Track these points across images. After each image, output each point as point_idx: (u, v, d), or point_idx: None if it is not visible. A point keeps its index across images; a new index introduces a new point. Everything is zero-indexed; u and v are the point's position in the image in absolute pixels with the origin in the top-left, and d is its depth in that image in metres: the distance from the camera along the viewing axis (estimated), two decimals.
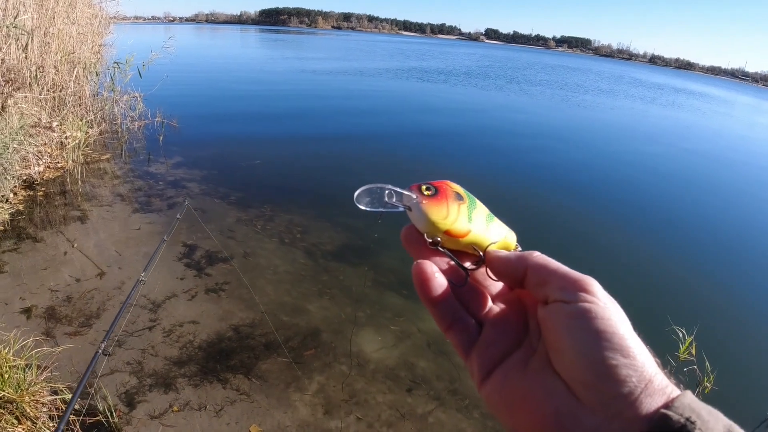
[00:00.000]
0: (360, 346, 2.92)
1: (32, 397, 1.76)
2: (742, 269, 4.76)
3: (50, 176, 4.97)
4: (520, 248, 0.40)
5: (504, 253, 0.37)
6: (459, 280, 0.37)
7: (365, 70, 21.47)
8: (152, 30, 37.25)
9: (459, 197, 0.38)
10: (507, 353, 0.34)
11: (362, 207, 0.38)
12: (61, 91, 6.01)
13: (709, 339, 3.12)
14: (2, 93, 4.11)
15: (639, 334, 0.29)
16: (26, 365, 1.97)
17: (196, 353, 2.67)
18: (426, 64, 28.50)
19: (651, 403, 0.26)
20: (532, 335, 0.34)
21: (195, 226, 4.18)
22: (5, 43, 4.76)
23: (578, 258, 4.41)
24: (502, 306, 0.38)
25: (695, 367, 2.83)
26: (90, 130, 6.26)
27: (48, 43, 5.69)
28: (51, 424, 1.79)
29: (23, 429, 1.64)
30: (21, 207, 4.22)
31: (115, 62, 7.27)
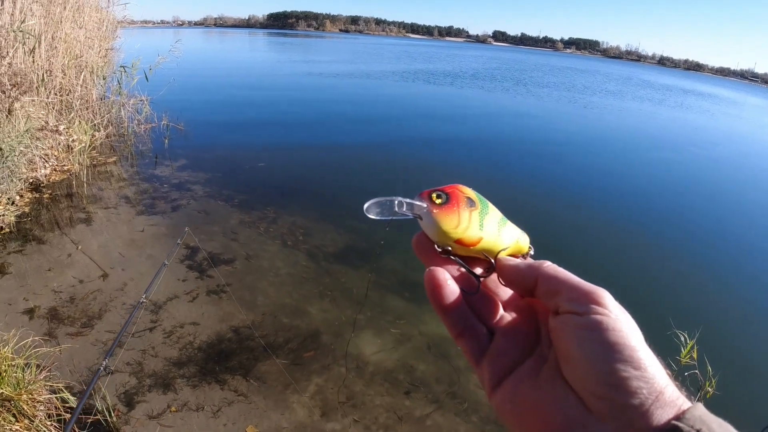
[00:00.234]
0: (359, 348, 2.92)
1: (30, 396, 1.78)
2: (746, 272, 4.71)
3: (56, 179, 5.03)
4: (533, 251, 0.40)
5: (515, 261, 0.37)
6: (471, 287, 0.37)
7: (372, 72, 21.53)
8: (161, 34, 37.65)
9: (471, 203, 0.37)
10: (518, 362, 0.34)
11: (372, 216, 0.37)
12: (68, 94, 6.09)
13: (712, 343, 3.09)
14: (9, 97, 4.17)
15: (651, 347, 0.29)
16: (25, 364, 2.00)
17: (195, 354, 2.69)
18: (433, 67, 28.51)
19: (662, 414, 0.26)
20: (543, 344, 0.34)
21: (198, 229, 4.21)
22: (12, 48, 4.84)
23: (579, 261, 4.38)
24: (514, 314, 0.38)
25: (697, 371, 2.80)
26: (97, 133, 6.34)
27: (55, 47, 5.77)
28: (49, 423, 1.82)
29: (21, 427, 1.67)
30: (27, 209, 4.27)
31: (121, 66, 7.35)
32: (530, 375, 0.33)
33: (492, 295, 0.38)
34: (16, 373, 1.85)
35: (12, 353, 1.96)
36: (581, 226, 5.43)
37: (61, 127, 5.47)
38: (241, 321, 3.03)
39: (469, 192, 0.38)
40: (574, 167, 8.03)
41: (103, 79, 7.21)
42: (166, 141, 7.02)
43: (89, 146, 5.71)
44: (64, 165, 5.31)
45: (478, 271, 0.38)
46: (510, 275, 0.36)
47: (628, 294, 3.81)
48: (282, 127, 9.27)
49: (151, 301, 3.13)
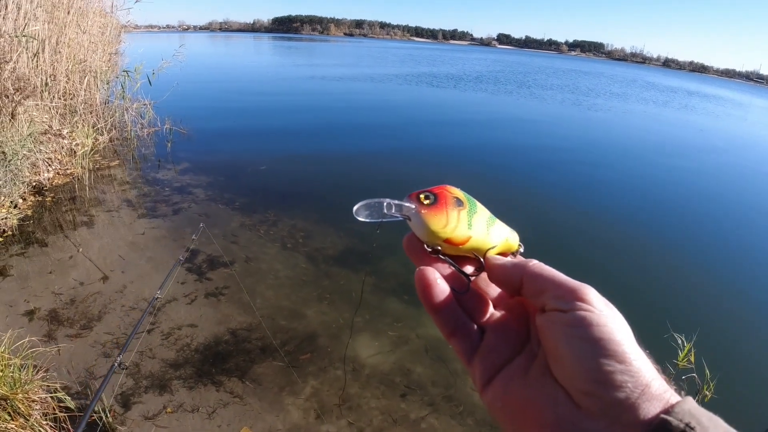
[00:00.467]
0: (356, 350, 2.93)
1: (26, 395, 1.81)
2: (743, 275, 4.68)
3: (59, 182, 5.08)
4: (522, 248, 0.40)
5: (502, 260, 0.37)
6: (461, 286, 0.37)
7: (375, 76, 21.59)
8: (166, 38, 37.94)
9: (459, 203, 0.38)
10: (508, 360, 0.34)
11: (361, 219, 0.38)
12: (72, 98, 6.15)
13: (709, 346, 3.07)
14: (12, 101, 4.22)
15: (638, 341, 0.29)
16: (22, 364, 2.02)
17: (192, 356, 2.70)
18: (437, 70, 28.55)
19: (649, 408, 0.26)
20: (533, 341, 0.34)
21: (197, 232, 4.23)
22: (16, 53, 4.90)
23: (577, 264, 4.38)
24: (504, 312, 0.38)
25: (694, 375, 2.78)
26: (100, 137, 6.40)
27: (59, 52, 5.84)
28: (44, 422, 1.84)
29: (16, 425, 1.69)
30: (30, 212, 4.32)
31: (124, 71, 7.42)
32: (520, 372, 0.33)
33: (483, 293, 0.39)
34: (12, 372, 1.87)
35: (9, 353, 1.99)
36: (578, 227, 5.42)
37: (65, 131, 5.53)
38: (239, 323, 3.05)
39: (457, 192, 0.39)
40: (572, 168, 8.01)
41: (107, 83, 7.28)
42: (169, 145, 7.07)
43: (92, 150, 5.76)
44: (67, 168, 5.36)
45: (469, 269, 0.38)
46: (497, 274, 0.36)
47: (626, 296, 3.81)
48: (284, 130, 9.31)
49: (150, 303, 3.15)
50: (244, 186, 5.72)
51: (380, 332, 3.13)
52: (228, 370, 2.62)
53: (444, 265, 0.38)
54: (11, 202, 4.19)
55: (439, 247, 0.37)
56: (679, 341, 2.88)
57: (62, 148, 5.45)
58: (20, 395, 1.79)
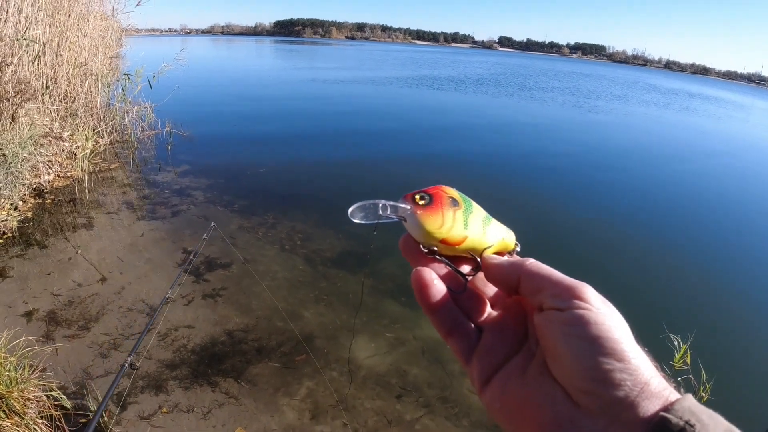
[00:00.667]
0: (353, 352, 2.94)
1: (21, 394, 1.83)
2: (740, 276, 4.67)
3: (60, 185, 5.11)
4: (519, 247, 0.40)
5: (499, 259, 0.37)
6: (458, 286, 0.37)
7: (376, 79, 21.64)
8: (168, 42, 38.14)
9: (454, 203, 0.38)
10: (506, 359, 0.34)
11: (357, 221, 0.38)
12: (73, 102, 6.19)
13: (706, 347, 3.06)
14: (12, 104, 4.25)
15: (637, 339, 0.29)
16: (17, 364, 2.04)
17: (188, 357, 2.72)
18: (438, 73, 28.58)
19: (648, 406, 0.26)
20: (531, 340, 0.34)
21: (199, 233, 4.25)
22: (17, 56, 4.94)
23: (576, 264, 4.38)
24: (502, 310, 0.37)
25: (690, 376, 2.78)
26: (100, 140, 6.43)
27: (60, 55, 5.88)
28: (40, 421, 1.86)
29: (11, 423, 1.71)
30: (30, 214, 4.34)
31: (125, 74, 7.46)
32: (518, 372, 0.33)
33: (480, 293, 0.39)
34: (8, 371, 1.89)
35: (5, 352, 2.01)
36: (577, 227, 5.42)
37: (65, 134, 5.56)
38: (235, 324, 3.06)
39: (453, 192, 0.39)
40: (573, 169, 8.01)
41: (108, 86, 7.32)
42: (169, 147, 7.10)
43: (93, 153, 5.79)
44: (68, 171, 5.39)
45: (466, 269, 0.38)
46: (494, 273, 0.36)
47: (623, 296, 3.79)
48: (284, 133, 9.33)
49: (147, 304, 3.17)
50: (244, 188, 5.74)
51: (377, 334, 3.14)
52: (224, 371, 2.63)
53: (441, 266, 0.38)
54: (11, 204, 4.22)
55: (435, 248, 0.37)
56: (676, 342, 2.88)
57: (63, 150, 5.48)
58: (16, 394, 1.81)
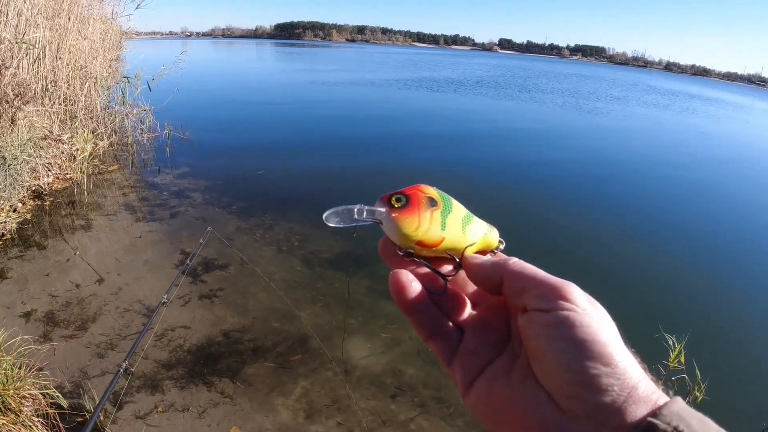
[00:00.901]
0: (348, 352, 2.95)
1: (17, 392, 1.85)
2: (736, 276, 4.67)
3: (59, 187, 5.14)
4: (503, 245, 0.39)
5: (480, 259, 0.36)
6: (438, 288, 0.36)
7: (375, 81, 21.69)
8: (169, 45, 38.24)
9: (432, 203, 0.37)
10: (489, 361, 0.33)
11: (332, 225, 0.37)
12: (72, 104, 6.22)
13: (701, 347, 3.07)
14: (12, 106, 4.28)
15: (625, 340, 0.29)
16: (14, 362, 2.06)
17: (184, 357, 2.73)
18: (437, 75, 28.63)
19: (636, 411, 0.26)
20: (515, 340, 0.33)
21: (197, 235, 4.27)
22: (16, 59, 4.97)
23: (569, 263, 4.38)
24: (483, 309, 0.36)
25: (685, 376, 2.78)
26: (100, 142, 6.46)
27: (60, 58, 5.92)
28: (36, 419, 1.88)
29: (7, 421, 1.73)
30: (29, 216, 4.37)
31: (124, 77, 7.50)
32: (502, 374, 0.32)
33: (462, 293, 0.38)
34: (4, 370, 1.91)
35: (2, 351, 2.03)
36: (575, 227, 5.42)
37: (65, 136, 5.59)
38: (232, 325, 3.07)
39: (432, 191, 0.38)
40: (571, 170, 8.02)
41: (107, 89, 7.35)
42: (168, 150, 7.13)
43: (92, 155, 5.82)
44: (67, 173, 5.42)
45: (448, 269, 0.37)
46: (475, 274, 0.35)
47: (617, 296, 3.81)
48: (282, 135, 9.37)
49: (144, 305, 3.18)
50: (242, 190, 5.76)
51: (373, 334, 3.15)
52: (219, 371, 2.65)
53: (421, 267, 0.37)
54: (11, 206, 4.24)
55: (412, 250, 0.36)
56: (670, 342, 2.88)
57: (62, 153, 5.51)
58: (11, 391, 1.83)
